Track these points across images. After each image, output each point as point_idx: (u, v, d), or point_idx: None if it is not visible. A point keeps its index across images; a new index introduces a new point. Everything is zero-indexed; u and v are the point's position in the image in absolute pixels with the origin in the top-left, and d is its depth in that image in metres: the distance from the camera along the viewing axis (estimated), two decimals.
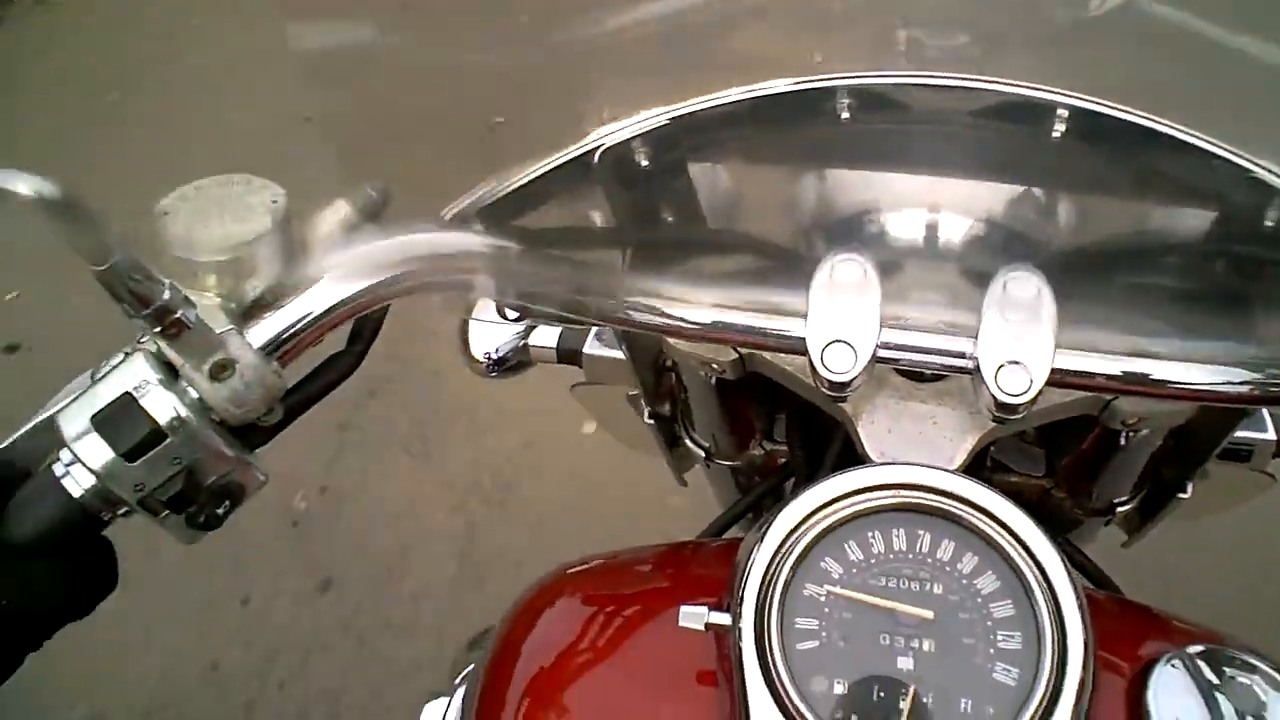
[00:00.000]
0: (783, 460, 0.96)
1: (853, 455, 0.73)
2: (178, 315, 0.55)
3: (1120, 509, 0.93)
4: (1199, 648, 0.59)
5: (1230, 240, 0.74)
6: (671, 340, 0.75)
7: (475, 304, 0.98)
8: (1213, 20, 0.79)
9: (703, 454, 0.97)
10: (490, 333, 0.98)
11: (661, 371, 0.93)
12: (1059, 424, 0.77)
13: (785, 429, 0.92)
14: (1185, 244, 0.76)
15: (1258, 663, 0.59)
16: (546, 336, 0.98)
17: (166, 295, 0.54)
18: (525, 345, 0.99)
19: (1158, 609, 0.72)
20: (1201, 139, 0.71)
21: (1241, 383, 0.61)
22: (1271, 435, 0.89)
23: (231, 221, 0.60)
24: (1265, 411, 0.90)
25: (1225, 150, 0.70)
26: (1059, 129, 0.74)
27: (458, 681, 0.81)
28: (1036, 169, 0.79)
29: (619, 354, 0.91)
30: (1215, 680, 0.58)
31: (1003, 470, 0.92)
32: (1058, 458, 0.91)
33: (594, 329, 0.95)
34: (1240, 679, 0.58)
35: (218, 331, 0.58)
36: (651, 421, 0.95)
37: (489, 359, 0.98)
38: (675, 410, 0.97)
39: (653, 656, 0.66)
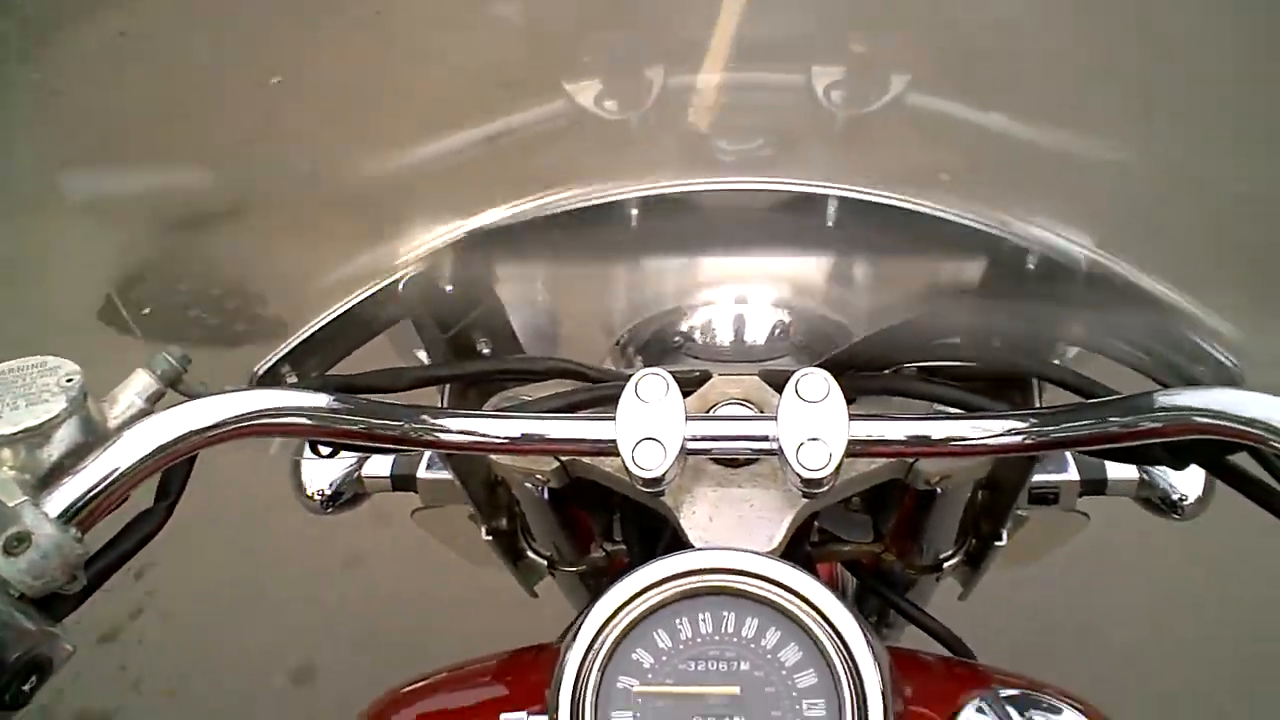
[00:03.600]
0: (624, 559, 0.97)
1: (682, 547, 0.75)
2: None
3: (947, 564, 0.97)
4: (1010, 692, 0.63)
5: (1000, 291, 0.80)
6: (494, 456, 0.76)
7: (303, 445, 0.98)
8: (970, 105, 0.87)
9: (545, 564, 0.98)
10: (322, 469, 0.97)
11: (494, 488, 0.94)
12: (879, 491, 0.81)
13: (621, 528, 0.94)
14: (962, 303, 0.82)
15: (1063, 705, 0.63)
16: (380, 466, 0.98)
17: None
18: (359, 477, 0.99)
19: (983, 665, 0.76)
20: (956, 215, 0.77)
21: (1013, 433, 0.65)
22: (1074, 475, 0.95)
23: (25, 405, 0.60)
24: (1067, 454, 0.96)
25: (977, 221, 0.77)
26: (831, 217, 0.80)
27: None
28: (818, 252, 0.85)
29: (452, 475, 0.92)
30: None
31: (834, 540, 0.96)
32: (883, 522, 0.95)
33: (426, 454, 0.95)
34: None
35: (10, 505, 0.57)
36: (489, 538, 0.95)
37: (322, 495, 0.98)
38: (514, 523, 0.98)
39: None
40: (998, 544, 0.93)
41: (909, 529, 0.92)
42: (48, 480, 0.60)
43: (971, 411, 0.73)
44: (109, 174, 0.80)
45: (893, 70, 0.88)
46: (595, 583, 1.06)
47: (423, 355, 0.88)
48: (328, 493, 0.97)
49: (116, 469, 0.61)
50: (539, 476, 0.77)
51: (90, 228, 0.79)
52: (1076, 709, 0.62)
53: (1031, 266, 0.77)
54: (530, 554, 0.99)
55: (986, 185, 0.78)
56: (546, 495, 0.86)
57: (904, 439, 0.66)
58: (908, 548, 0.95)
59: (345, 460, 0.98)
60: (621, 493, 0.77)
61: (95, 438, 0.62)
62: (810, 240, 0.84)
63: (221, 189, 0.79)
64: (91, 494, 0.60)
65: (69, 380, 0.61)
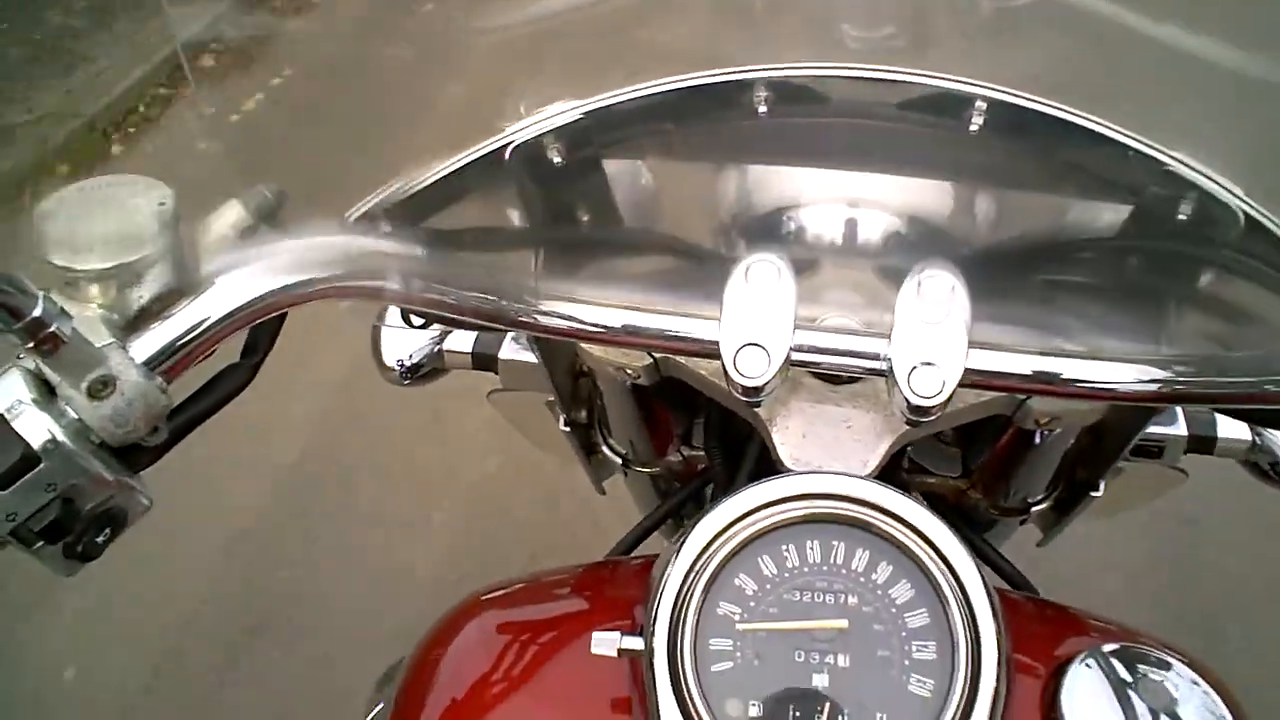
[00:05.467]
0: (702, 466, 0.95)
1: (770, 459, 0.72)
2: (52, 330, 0.51)
3: (1035, 508, 0.93)
4: (1113, 646, 0.59)
5: (1145, 235, 0.74)
6: (585, 346, 0.73)
7: (385, 310, 0.96)
8: (1132, 8, 0.79)
9: (620, 461, 0.96)
10: (403, 339, 0.95)
11: (578, 377, 0.91)
12: (974, 424, 0.77)
13: (703, 434, 0.91)
14: (1101, 239, 0.76)
15: (1171, 659, 0.59)
16: (461, 341, 0.95)
17: (40, 308, 0.50)
18: (440, 351, 0.97)
19: (1073, 608, 0.73)
20: (1118, 131, 0.71)
21: (1151, 381, 0.61)
22: (1183, 431, 0.91)
23: (115, 225, 0.56)
24: (1178, 408, 0.91)
25: (1141, 143, 0.71)
26: (977, 121, 0.74)
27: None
28: (954, 162, 0.79)
29: (536, 359, 0.90)
30: (1129, 679, 0.58)
31: (919, 472, 0.92)
32: (973, 458, 0.91)
33: (510, 333, 0.93)
34: (1153, 676, 0.58)
35: (97, 346, 0.54)
36: (568, 429, 0.93)
37: (401, 366, 0.96)
38: (592, 417, 0.95)
39: (566, 685, 0.64)
40: (1093, 494, 0.89)
41: (1001, 468, 0.88)
42: (135, 324, 0.57)
43: (1101, 335, 0.67)
44: None
45: None
46: (667, 486, 1.04)
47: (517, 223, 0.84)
48: (407, 364, 0.95)
49: (207, 319, 0.58)
50: (629, 371, 0.74)
51: None
52: (1180, 660, 0.59)
53: (1185, 210, 0.71)
54: (605, 450, 0.97)
55: (1142, 109, 0.72)
56: (631, 390, 0.83)
57: (1028, 374, 0.61)
58: (996, 487, 0.91)
59: (426, 332, 0.95)
60: (712, 397, 0.74)
61: (186, 281, 0.59)
62: (946, 147, 0.78)
63: None
64: (180, 343, 0.57)
65: (161, 204, 0.57)
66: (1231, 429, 0.92)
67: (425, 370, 0.96)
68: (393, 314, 0.96)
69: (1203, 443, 0.91)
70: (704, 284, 0.64)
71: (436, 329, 0.95)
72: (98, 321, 0.56)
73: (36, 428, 0.53)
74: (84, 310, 0.56)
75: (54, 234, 0.56)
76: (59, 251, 0.56)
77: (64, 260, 0.56)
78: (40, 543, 0.56)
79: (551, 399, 0.93)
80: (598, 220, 0.80)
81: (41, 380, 0.54)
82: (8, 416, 0.53)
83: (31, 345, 0.52)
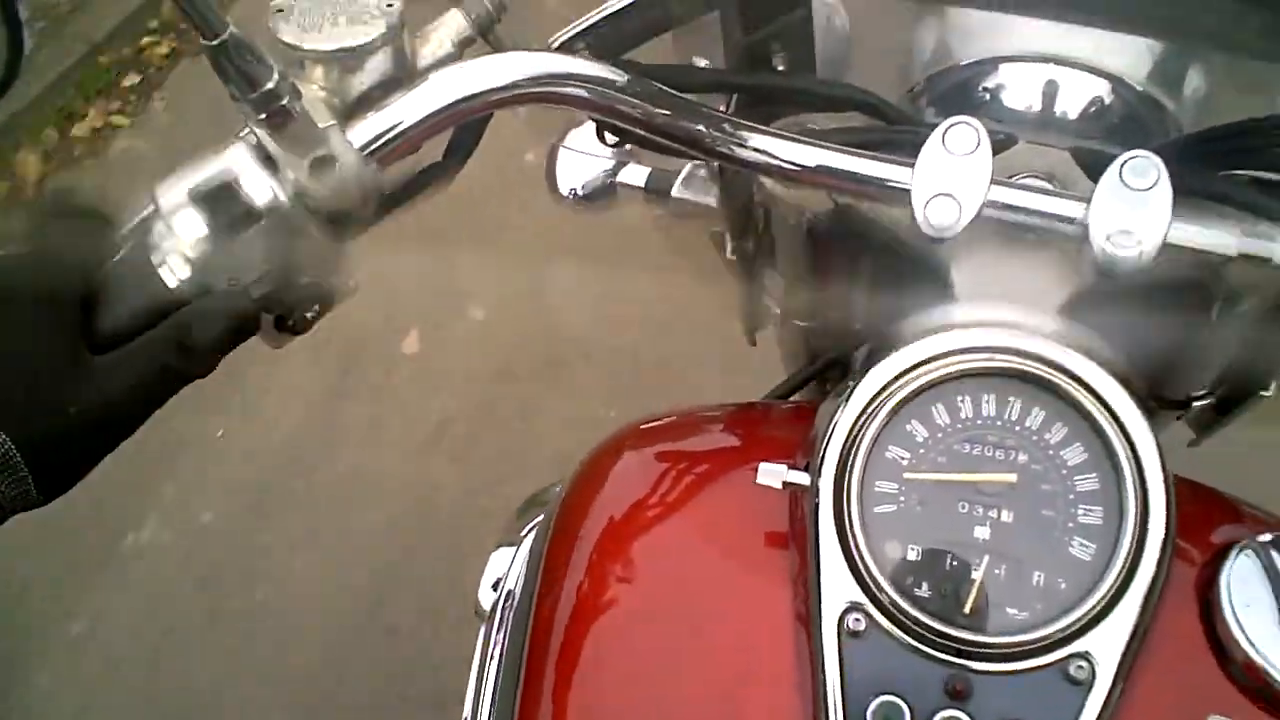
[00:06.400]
0: (858, 326, 0.94)
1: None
2: (283, 103, 0.54)
3: (1197, 403, 0.91)
4: (1269, 536, 0.59)
5: None
6: (768, 183, 0.73)
7: (568, 131, 0.96)
8: None
9: (777, 311, 0.96)
10: (579, 162, 0.96)
11: (750, 214, 0.91)
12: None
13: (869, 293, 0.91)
14: None
15: None
16: (635, 175, 0.96)
17: (274, 81, 0.53)
18: (612, 184, 0.98)
19: (1230, 495, 0.71)
20: None
21: None
22: None
23: (346, 23, 0.58)
24: None
25: None
26: None
27: (525, 532, 0.82)
28: (1162, 25, 0.74)
29: (708, 200, 0.90)
30: None
31: None
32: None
33: (684, 173, 0.93)
34: None
35: (321, 126, 0.57)
36: (734, 258, 0.94)
37: (573, 190, 0.97)
38: (759, 252, 0.95)
39: (724, 513, 0.66)
40: (1263, 393, 0.86)
41: (1171, 350, 0.86)
42: (355, 109, 0.60)
43: None
44: None
45: None
46: (819, 344, 1.04)
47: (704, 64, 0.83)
48: (579, 190, 0.97)
49: (418, 113, 0.60)
50: (810, 213, 0.74)
51: None
52: None
53: None
54: (765, 285, 0.97)
55: None
56: (805, 233, 0.83)
57: (1232, 255, 0.59)
58: (1161, 376, 0.89)
59: (603, 160, 0.96)
60: (889, 245, 0.73)
61: (404, 73, 0.61)
62: (1153, 11, 0.73)
63: None
64: (394, 132, 0.60)
65: (390, 5, 0.59)
66: None
67: (596, 196, 0.97)
68: (572, 137, 0.97)
69: None
70: (898, 145, 0.64)
71: (613, 157, 0.95)
72: (321, 103, 0.58)
73: (261, 190, 0.56)
74: (309, 90, 0.58)
75: (287, 27, 0.58)
76: (289, 30, 0.58)
77: (293, 38, 0.58)
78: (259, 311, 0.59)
79: (717, 229, 0.93)
80: (792, 64, 0.79)
81: (265, 154, 0.57)
82: (235, 176, 0.56)
83: (264, 117, 0.54)
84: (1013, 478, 0.57)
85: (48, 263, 0.55)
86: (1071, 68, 0.78)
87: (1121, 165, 0.58)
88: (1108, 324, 0.89)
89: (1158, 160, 0.58)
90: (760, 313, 1.01)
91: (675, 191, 0.93)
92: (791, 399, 0.95)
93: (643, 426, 0.76)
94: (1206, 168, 0.69)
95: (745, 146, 0.64)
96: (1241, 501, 0.70)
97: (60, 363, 0.52)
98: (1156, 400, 0.91)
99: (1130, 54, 0.78)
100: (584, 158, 0.95)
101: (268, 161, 0.57)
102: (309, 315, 0.62)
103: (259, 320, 0.59)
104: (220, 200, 0.56)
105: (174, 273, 0.56)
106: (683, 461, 0.72)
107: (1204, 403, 0.91)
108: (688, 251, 1.01)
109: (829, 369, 0.95)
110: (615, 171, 0.96)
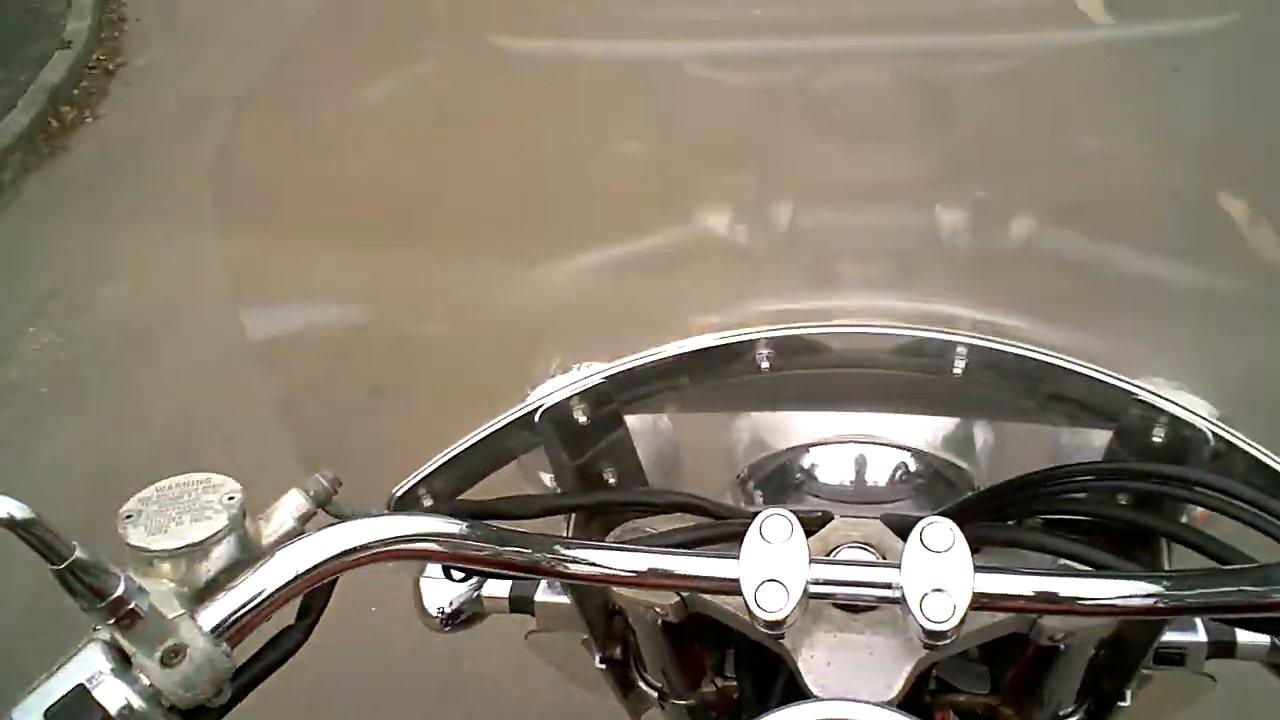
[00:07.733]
0: (735, 695, 0.97)
1: (799, 691, 0.74)
2: (131, 606, 0.58)
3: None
4: None
5: (1126, 458, 0.79)
6: (616, 588, 0.78)
7: (425, 565, 1.01)
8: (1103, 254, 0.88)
9: (656, 695, 0.98)
10: (442, 589, 1.00)
11: (611, 616, 0.95)
12: (999, 642, 0.80)
13: (735, 665, 0.94)
14: (1088, 470, 0.81)
15: None
16: (498, 588, 1.00)
17: (121, 588, 0.57)
18: (478, 597, 1.01)
19: None
20: (1087, 368, 0.78)
21: (1147, 595, 0.64)
22: (1202, 638, 0.92)
23: (190, 521, 0.64)
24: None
25: (1111, 377, 0.77)
26: (959, 366, 0.81)
27: None
28: (944, 403, 0.85)
29: (570, 601, 0.94)
30: None
31: (948, 691, 0.94)
32: (1001, 674, 0.93)
33: (545, 578, 0.97)
34: None
35: (170, 618, 0.60)
36: (603, 667, 0.96)
37: (443, 614, 1.00)
38: (627, 654, 0.98)
39: None
40: (1120, 704, 0.90)
41: (1028, 683, 0.90)
42: (203, 594, 0.64)
43: (1099, 570, 0.72)
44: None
45: (1020, 212, 0.90)
46: (704, 717, 1.05)
47: (547, 479, 0.90)
48: (447, 611, 1.00)
49: (267, 589, 0.64)
50: (658, 609, 0.78)
51: None
52: None
53: (1158, 435, 0.77)
54: (641, 684, 0.99)
55: (1118, 344, 0.79)
56: (662, 626, 0.87)
57: (1031, 594, 0.65)
58: (1026, 702, 0.92)
59: (465, 582, 1.00)
60: (740, 630, 0.78)
61: (250, 555, 0.65)
62: (937, 387, 0.85)
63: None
64: (243, 611, 0.63)
65: (230, 499, 0.65)
66: (1250, 635, 0.94)
67: (465, 616, 1.00)
68: (433, 567, 1.01)
69: (1223, 648, 0.93)
70: (723, 539, 0.70)
71: (474, 579, 0.99)
72: (170, 595, 0.62)
73: (115, 696, 0.58)
74: (157, 585, 0.62)
75: (135, 533, 0.64)
76: (137, 534, 0.63)
77: (141, 541, 0.63)
78: None
79: (586, 638, 0.96)
80: (621, 474, 0.87)
81: (118, 650, 0.60)
82: (89, 686, 0.58)
83: (112, 621, 0.58)
84: None
85: None
86: (874, 445, 0.87)
87: (920, 531, 0.64)
88: (961, 669, 0.94)
89: (950, 523, 0.64)
90: (641, 699, 1.02)
91: (539, 597, 0.97)
92: None
93: None
94: (1002, 519, 0.78)
95: (581, 563, 0.69)
96: None
97: None
98: None
99: (924, 427, 0.88)
100: (445, 583, 0.99)
101: (121, 660, 0.60)
102: None
103: None
104: (76, 713, 0.57)
105: None
106: None
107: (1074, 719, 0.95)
108: (566, 665, 1.04)
109: None
110: (479, 587, 1.00)
